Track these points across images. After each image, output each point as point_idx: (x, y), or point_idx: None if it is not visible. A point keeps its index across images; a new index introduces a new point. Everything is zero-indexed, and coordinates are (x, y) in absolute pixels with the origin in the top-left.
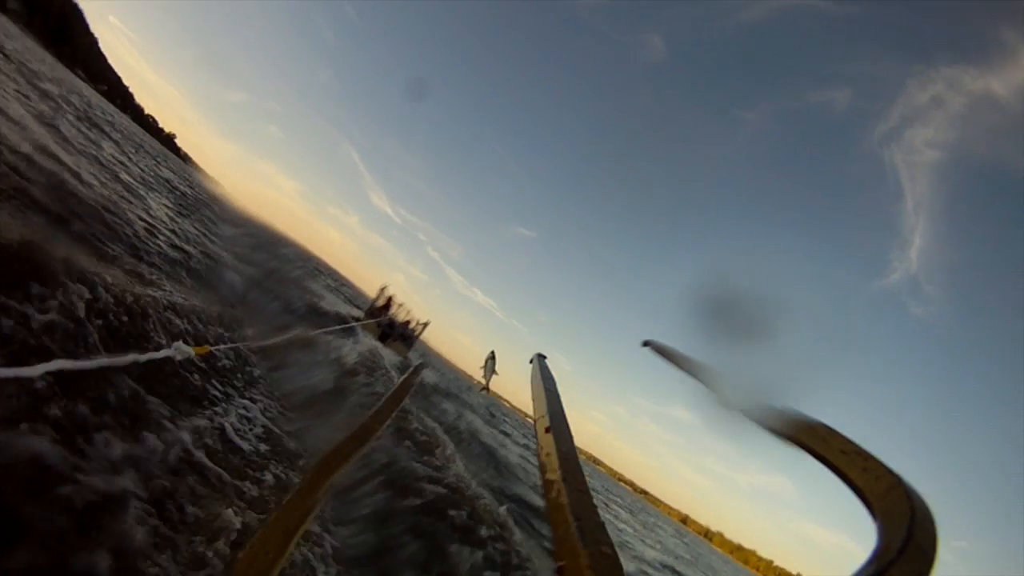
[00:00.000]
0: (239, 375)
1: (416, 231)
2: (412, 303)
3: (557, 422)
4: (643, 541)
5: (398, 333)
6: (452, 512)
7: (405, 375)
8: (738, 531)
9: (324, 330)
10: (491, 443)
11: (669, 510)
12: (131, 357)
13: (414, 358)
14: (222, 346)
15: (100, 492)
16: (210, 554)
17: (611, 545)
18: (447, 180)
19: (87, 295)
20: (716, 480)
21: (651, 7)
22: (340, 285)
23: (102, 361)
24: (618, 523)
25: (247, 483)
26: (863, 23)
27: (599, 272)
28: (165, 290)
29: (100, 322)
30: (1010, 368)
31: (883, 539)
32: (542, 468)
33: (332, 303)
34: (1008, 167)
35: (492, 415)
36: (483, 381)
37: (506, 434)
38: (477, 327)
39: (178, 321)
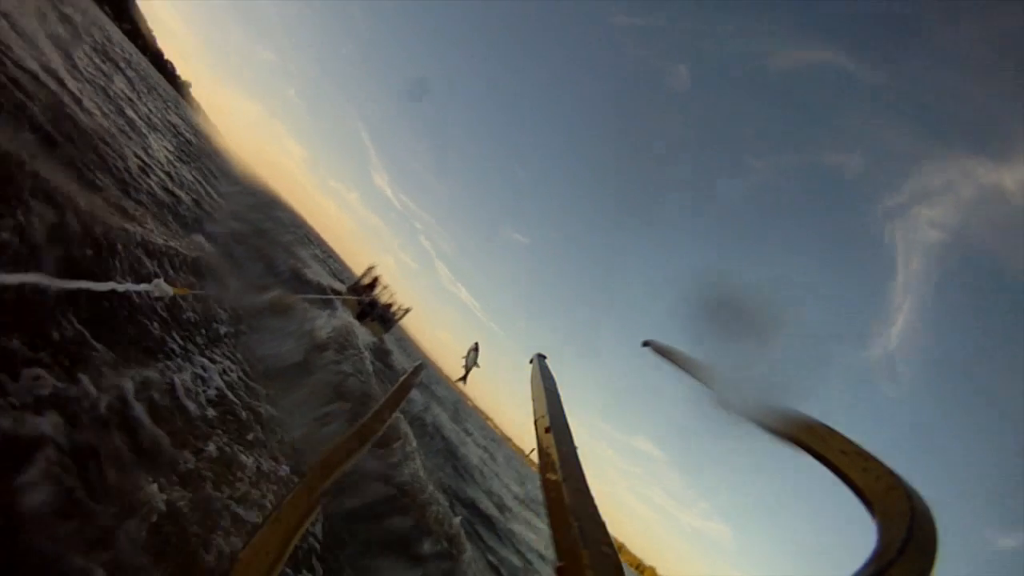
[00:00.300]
0: (204, 331)
1: (413, 219)
2: (397, 288)
3: (557, 422)
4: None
5: (378, 314)
6: (396, 519)
7: (405, 375)
8: (672, 569)
9: (304, 296)
10: (454, 440)
11: (628, 556)
12: (109, 285)
13: (390, 342)
14: (202, 291)
15: (10, 432)
16: (119, 533)
17: (611, 545)
18: (452, 174)
19: (52, 218)
20: (659, 514)
21: (682, 37)
22: (328, 257)
23: (80, 284)
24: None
25: (185, 452)
26: (890, 93)
27: (586, 289)
28: (145, 228)
29: (59, 250)
30: (962, 469)
31: (883, 539)
32: (542, 468)
33: (317, 273)
34: (1002, 263)
35: (458, 411)
36: (462, 371)
37: (468, 432)
38: (456, 324)
39: (149, 262)
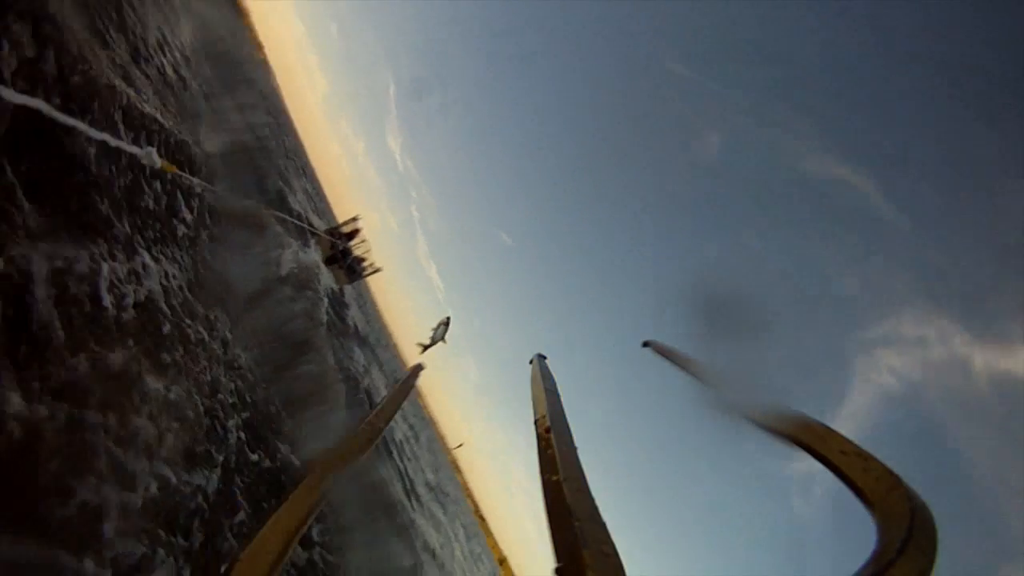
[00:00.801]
0: (160, 225)
1: (411, 186)
2: (373, 245)
3: (557, 422)
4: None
5: (348, 263)
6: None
7: (405, 376)
8: (511, 536)
9: (280, 215)
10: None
11: (495, 545)
12: (104, 136)
13: (351, 296)
14: (188, 175)
15: None
16: None
17: (611, 545)
18: (465, 156)
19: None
20: (518, 492)
21: (726, 106)
22: (317, 196)
23: (78, 123)
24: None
25: (79, 358)
26: (905, 238)
27: (557, 305)
28: (141, 97)
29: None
30: None
31: (883, 539)
32: (542, 468)
33: (302, 204)
34: (943, 436)
35: (398, 380)
36: (427, 341)
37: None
38: (416, 300)
39: (127, 132)
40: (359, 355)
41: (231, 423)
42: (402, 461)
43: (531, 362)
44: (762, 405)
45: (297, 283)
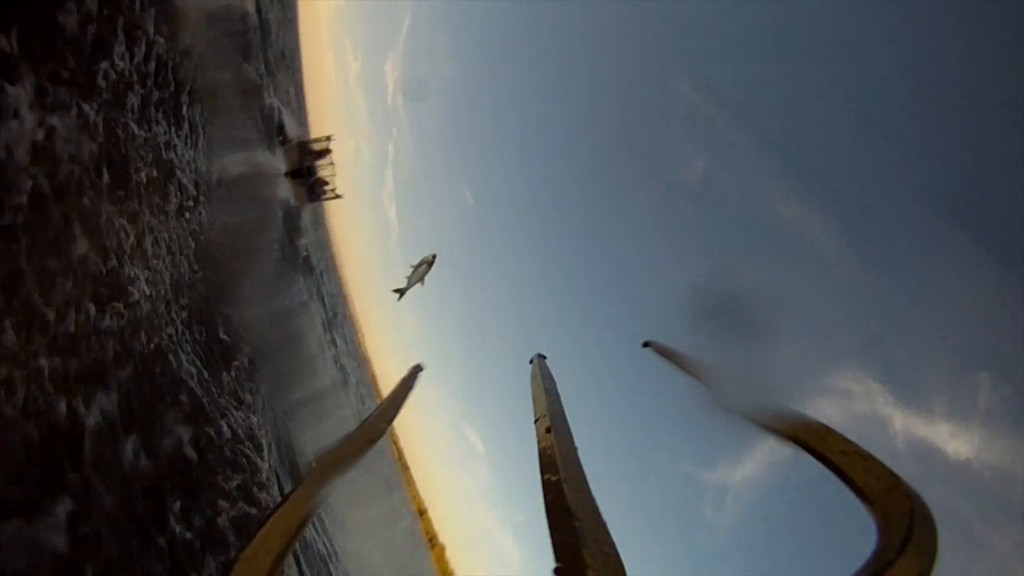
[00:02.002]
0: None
1: (394, 124)
2: (338, 171)
3: (557, 422)
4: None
5: (310, 182)
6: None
7: (404, 375)
8: (461, 558)
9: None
10: (313, 349)
11: (416, 495)
12: None
13: (307, 217)
14: None
15: None
16: None
17: (612, 545)
18: (456, 111)
19: None
20: (463, 501)
21: (719, 132)
22: (299, 103)
23: None
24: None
25: None
26: (849, 292)
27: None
28: None
29: None
30: None
31: (883, 539)
32: (542, 468)
33: (280, 104)
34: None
35: (336, 316)
36: (404, 281)
37: (333, 343)
38: (370, 234)
39: None
40: (300, 283)
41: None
42: (318, 419)
43: (531, 362)
44: (762, 405)
45: (241, 192)
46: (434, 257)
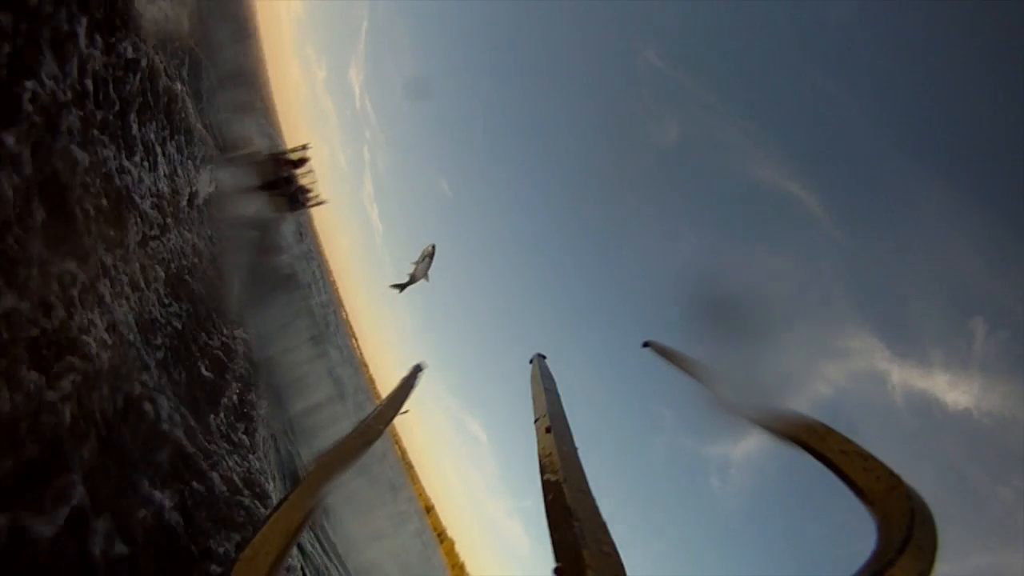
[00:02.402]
0: None
1: (366, 127)
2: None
3: (557, 423)
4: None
5: (291, 191)
6: None
7: (405, 375)
8: (470, 548)
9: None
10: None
11: (422, 492)
12: None
13: (288, 228)
14: None
15: None
16: None
17: (612, 545)
18: (425, 106)
19: None
20: (468, 494)
21: (693, 100)
22: (269, 116)
23: None
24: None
25: None
26: (836, 252)
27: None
28: None
29: None
30: None
31: (883, 539)
32: (542, 468)
33: (250, 122)
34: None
35: (327, 325)
36: (406, 277)
37: (325, 354)
38: (354, 240)
39: None
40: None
41: None
42: (313, 440)
43: (531, 362)
44: (761, 405)
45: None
46: (433, 248)
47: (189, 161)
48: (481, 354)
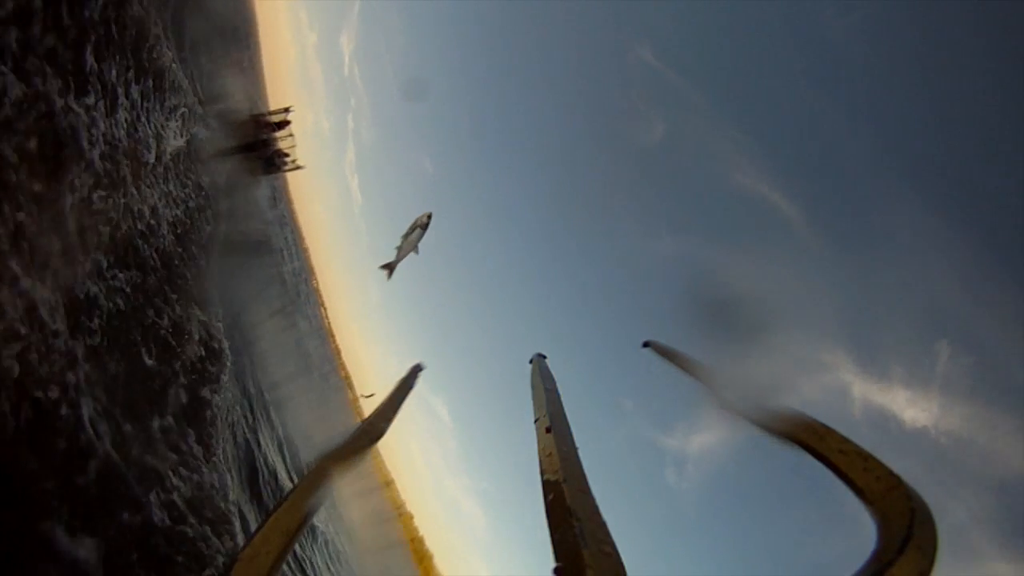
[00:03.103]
0: None
1: (352, 94)
2: (297, 142)
3: (557, 422)
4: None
5: (268, 154)
6: None
7: (404, 375)
8: (429, 525)
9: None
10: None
11: (380, 467)
12: None
13: (263, 191)
14: None
15: None
16: None
17: (612, 545)
18: (414, 75)
19: None
20: (431, 470)
21: (680, 101)
22: (255, 76)
23: None
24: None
25: None
26: (811, 259)
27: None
28: None
29: None
30: None
31: (883, 539)
32: (542, 468)
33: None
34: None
35: (298, 294)
36: (391, 260)
37: (294, 325)
38: (332, 209)
39: None
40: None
41: None
42: (274, 425)
43: (531, 362)
44: (760, 405)
45: (184, 165)
46: (429, 217)
47: (158, 109)
48: (449, 333)
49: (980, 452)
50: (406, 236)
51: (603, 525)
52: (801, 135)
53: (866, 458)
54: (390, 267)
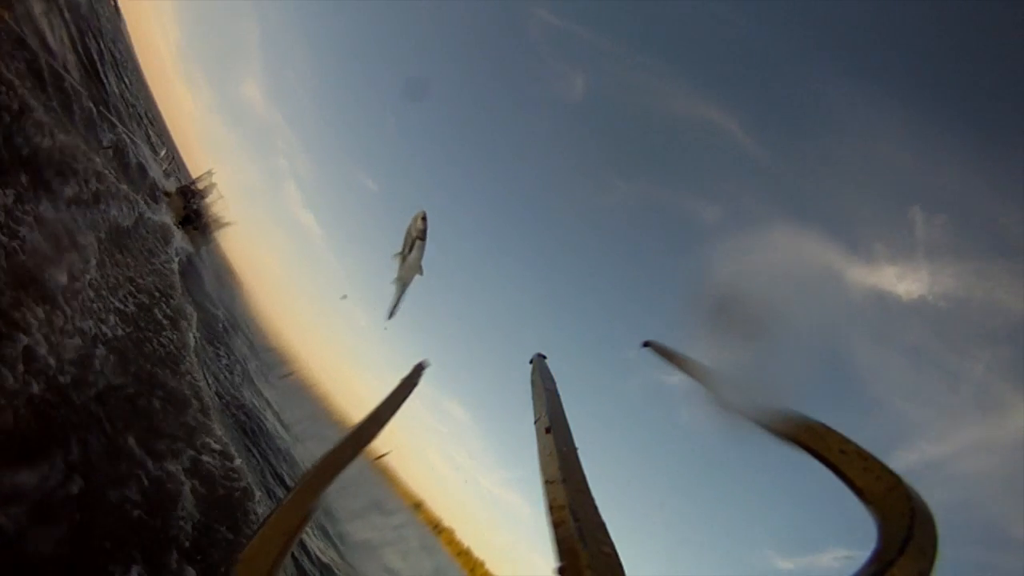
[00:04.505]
0: None
1: (277, 136)
2: (227, 201)
3: (557, 423)
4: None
5: (204, 223)
6: None
7: (407, 374)
8: (470, 533)
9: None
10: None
11: (405, 492)
12: None
13: (204, 256)
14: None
15: None
16: None
17: (611, 545)
18: (332, 99)
19: None
20: (462, 474)
21: (591, 49)
22: (158, 145)
23: None
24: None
25: None
26: (766, 166)
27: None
28: None
29: None
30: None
31: (883, 539)
32: (542, 468)
33: (144, 159)
34: (825, 340)
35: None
36: (397, 282)
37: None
38: (292, 250)
39: None
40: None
41: None
42: None
43: (531, 362)
44: (760, 405)
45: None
46: (424, 220)
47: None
48: (443, 337)
49: (981, 306)
50: (403, 255)
51: (602, 525)
52: (720, 45)
53: (866, 458)
54: (391, 311)
